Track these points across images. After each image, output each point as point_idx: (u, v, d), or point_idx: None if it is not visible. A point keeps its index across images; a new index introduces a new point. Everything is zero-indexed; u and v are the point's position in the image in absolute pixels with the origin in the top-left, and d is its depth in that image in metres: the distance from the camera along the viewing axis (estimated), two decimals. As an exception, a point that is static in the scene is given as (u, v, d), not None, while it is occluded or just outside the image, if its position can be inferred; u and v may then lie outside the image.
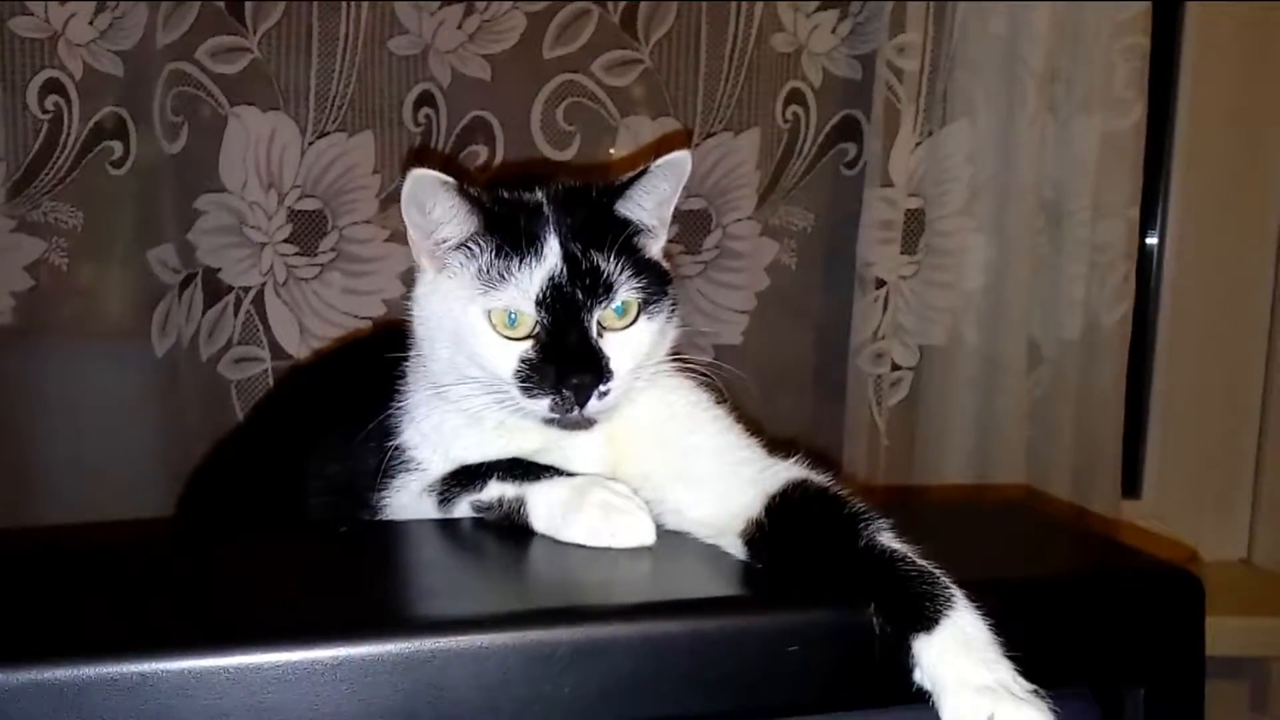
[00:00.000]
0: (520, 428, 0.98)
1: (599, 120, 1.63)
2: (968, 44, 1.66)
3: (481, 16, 1.57)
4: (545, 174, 1.05)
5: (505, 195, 1.00)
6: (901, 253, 1.67)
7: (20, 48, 1.47)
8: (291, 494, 1.11)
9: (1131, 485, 1.95)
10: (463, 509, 0.96)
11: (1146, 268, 1.94)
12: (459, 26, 1.56)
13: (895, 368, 1.72)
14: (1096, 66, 1.67)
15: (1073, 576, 0.90)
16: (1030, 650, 0.79)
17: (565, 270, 0.94)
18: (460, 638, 0.71)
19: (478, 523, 0.95)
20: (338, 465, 1.08)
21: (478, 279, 0.95)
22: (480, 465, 0.97)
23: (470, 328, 0.94)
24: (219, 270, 1.55)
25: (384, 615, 0.76)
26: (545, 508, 0.91)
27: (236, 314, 1.56)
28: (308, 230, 1.57)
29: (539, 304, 0.93)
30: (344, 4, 1.53)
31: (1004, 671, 0.75)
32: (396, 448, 1.01)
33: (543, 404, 0.93)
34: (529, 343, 0.94)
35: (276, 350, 1.57)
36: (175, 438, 1.57)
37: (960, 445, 1.74)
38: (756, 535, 0.89)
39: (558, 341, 0.94)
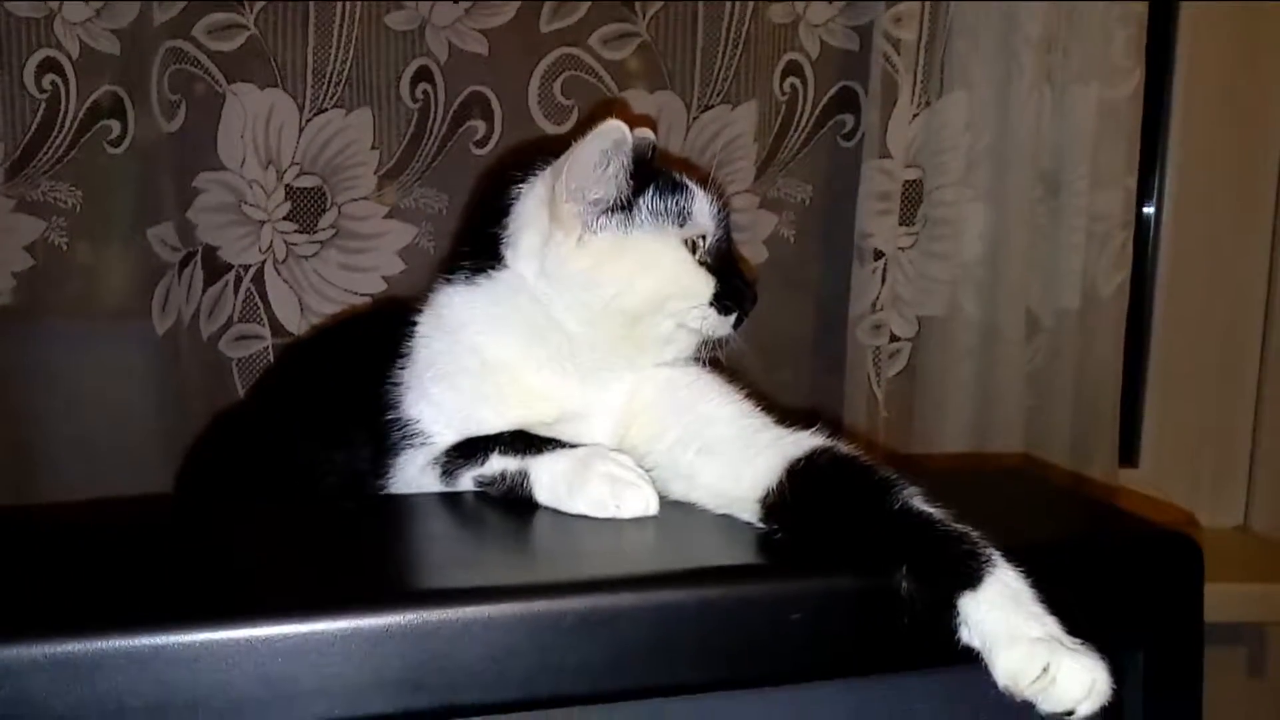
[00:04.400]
0: (540, 394, 1.01)
1: (597, 94, 1.62)
2: (965, 13, 1.66)
3: (478, -9, 1.57)
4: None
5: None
6: (900, 224, 1.67)
7: (16, 27, 1.46)
8: (294, 473, 1.13)
9: (1129, 454, 1.96)
10: (465, 483, 0.97)
11: (1144, 237, 1.94)
12: (455, 1, 1.56)
13: (894, 339, 1.72)
14: (1094, 35, 1.67)
15: (1072, 541, 0.91)
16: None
17: (713, 200, 1.05)
18: (467, 608, 0.72)
19: (483, 495, 0.96)
20: (340, 450, 1.09)
21: (659, 219, 1.02)
22: (483, 439, 0.98)
23: (675, 262, 1.02)
24: (219, 248, 1.54)
25: (391, 587, 0.77)
26: (549, 480, 0.92)
27: (237, 292, 1.56)
28: (307, 207, 1.57)
29: (717, 228, 1.05)
30: (340, -20, 1.53)
31: (1053, 625, 0.76)
32: (402, 420, 1.02)
33: (732, 319, 1.04)
34: (705, 267, 1.03)
35: (277, 328, 1.57)
36: (177, 416, 1.57)
37: (959, 416, 1.74)
38: (776, 502, 0.89)
39: (725, 263, 1.05)
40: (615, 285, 0.99)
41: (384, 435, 1.04)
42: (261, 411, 1.36)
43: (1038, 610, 0.77)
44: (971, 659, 0.76)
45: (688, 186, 1.04)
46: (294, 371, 1.41)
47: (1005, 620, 0.75)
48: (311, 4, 1.52)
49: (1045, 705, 0.73)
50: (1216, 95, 1.90)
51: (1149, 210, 1.96)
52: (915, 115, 1.66)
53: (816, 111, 1.71)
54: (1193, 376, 1.98)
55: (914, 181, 1.69)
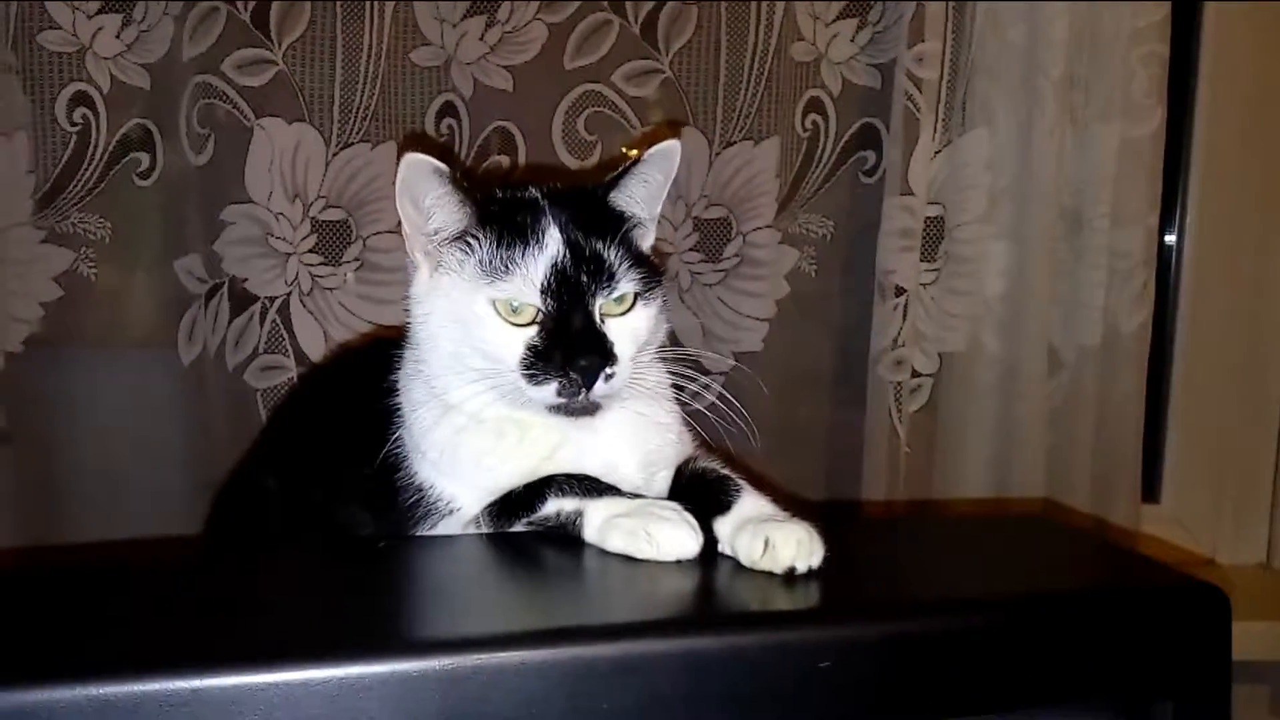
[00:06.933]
0: (534, 436, 0.99)
1: (620, 130, 1.64)
2: (986, 52, 1.67)
3: (503, 28, 1.58)
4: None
5: (500, 192, 1.03)
6: (921, 260, 1.68)
7: (49, 61, 1.48)
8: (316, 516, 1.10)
9: (1150, 490, 1.95)
10: (517, 528, 0.98)
11: (1165, 272, 1.94)
12: (481, 38, 1.57)
13: (915, 375, 1.72)
14: (1115, 73, 1.68)
15: (1098, 591, 0.91)
16: (1057, 664, 0.80)
17: (569, 256, 0.97)
18: (501, 654, 0.72)
19: (518, 538, 0.97)
20: (339, 511, 1.07)
21: (481, 270, 0.97)
22: (535, 485, 0.97)
23: (476, 318, 0.97)
24: (245, 280, 1.56)
25: (427, 632, 0.77)
26: (599, 519, 0.93)
27: (262, 323, 1.57)
28: (332, 240, 1.58)
29: (544, 291, 0.96)
30: (367, 17, 1.54)
31: (772, 509, 0.95)
32: (416, 488, 1.01)
33: (549, 389, 0.96)
34: (533, 329, 0.96)
35: (302, 359, 1.58)
36: (202, 447, 1.58)
37: (980, 452, 1.74)
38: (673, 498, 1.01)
39: (562, 327, 0.96)
40: (429, 327, 0.99)
41: (391, 499, 1.01)
42: (263, 461, 1.30)
43: (768, 508, 0.94)
44: (1003, 708, 0.77)
45: (539, 239, 0.96)
46: (291, 415, 1.39)
47: (742, 522, 0.92)
48: (339, 40, 1.54)
49: (774, 569, 0.88)
50: (1238, 129, 1.91)
51: (1170, 238, 1.96)
52: (937, 153, 1.67)
53: (838, 148, 1.72)
54: (1214, 412, 1.97)
55: (935, 218, 1.69)
